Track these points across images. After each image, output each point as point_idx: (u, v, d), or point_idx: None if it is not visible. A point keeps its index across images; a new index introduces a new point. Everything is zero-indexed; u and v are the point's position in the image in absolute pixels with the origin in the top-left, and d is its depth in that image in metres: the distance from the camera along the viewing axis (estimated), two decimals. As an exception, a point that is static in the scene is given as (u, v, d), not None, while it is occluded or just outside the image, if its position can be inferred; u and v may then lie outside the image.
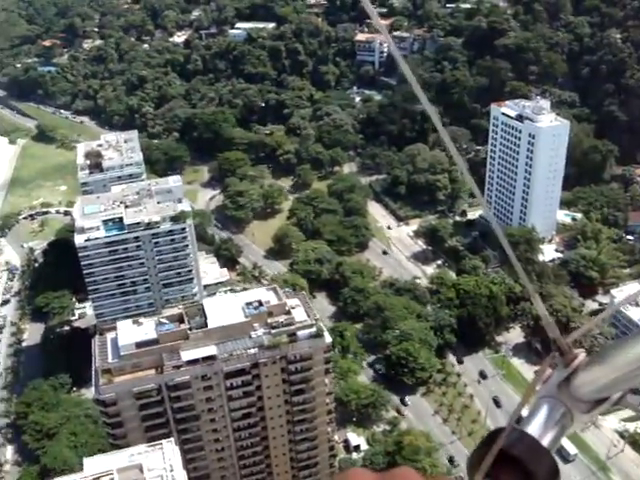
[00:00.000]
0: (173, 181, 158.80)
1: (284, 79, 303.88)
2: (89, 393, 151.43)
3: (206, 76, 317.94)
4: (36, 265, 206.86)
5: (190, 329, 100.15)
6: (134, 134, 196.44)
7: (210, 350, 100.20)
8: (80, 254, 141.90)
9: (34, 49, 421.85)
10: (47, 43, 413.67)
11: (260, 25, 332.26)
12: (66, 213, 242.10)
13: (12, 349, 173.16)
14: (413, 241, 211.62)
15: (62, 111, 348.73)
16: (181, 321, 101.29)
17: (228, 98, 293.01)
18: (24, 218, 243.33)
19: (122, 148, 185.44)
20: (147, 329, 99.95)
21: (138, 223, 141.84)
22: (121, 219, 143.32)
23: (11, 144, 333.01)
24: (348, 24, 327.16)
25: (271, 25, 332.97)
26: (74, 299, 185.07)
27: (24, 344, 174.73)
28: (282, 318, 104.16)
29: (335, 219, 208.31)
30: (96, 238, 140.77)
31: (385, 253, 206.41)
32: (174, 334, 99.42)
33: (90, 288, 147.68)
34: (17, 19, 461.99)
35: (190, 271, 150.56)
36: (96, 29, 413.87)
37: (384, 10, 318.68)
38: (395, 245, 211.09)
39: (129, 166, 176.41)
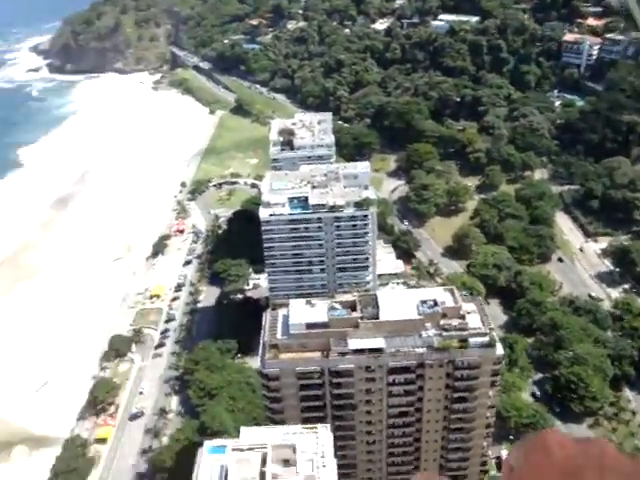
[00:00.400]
0: (361, 167, 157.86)
1: (482, 75, 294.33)
2: (252, 362, 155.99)
3: (403, 65, 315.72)
4: (219, 232, 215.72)
5: (361, 318, 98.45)
6: (328, 116, 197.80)
7: (378, 342, 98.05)
8: (263, 228, 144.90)
9: (241, 27, 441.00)
10: (254, 22, 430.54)
11: (464, 18, 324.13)
12: (253, 185, 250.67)
13: (188, 308, 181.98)
14: (600, 260, 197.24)
15: (257, 86, 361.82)
16: (353, 309, 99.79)
17: (423, 90, 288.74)
18: (214, 186, 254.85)
19: (315, 129, 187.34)
20: (319, 311, 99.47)
21: (322, 205, 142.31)
22: (306, 199, 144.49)
23: (211, 114, 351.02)
24: (556, 23, 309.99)
25: (475, 19, 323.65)
26: (250, 269, 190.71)
27: (199, 305, 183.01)
28: (455, 322, 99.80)
29: (520, 225, 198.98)
30: (280, 214, 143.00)
31: (560, 260, 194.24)
32: (345, 321, 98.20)
33: (268, 261, 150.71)
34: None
35: (367, 259, 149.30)
36: (301, 11, 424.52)
37: (598, 9, 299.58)
38: (580, 261, 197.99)
39: (320, 147, 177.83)
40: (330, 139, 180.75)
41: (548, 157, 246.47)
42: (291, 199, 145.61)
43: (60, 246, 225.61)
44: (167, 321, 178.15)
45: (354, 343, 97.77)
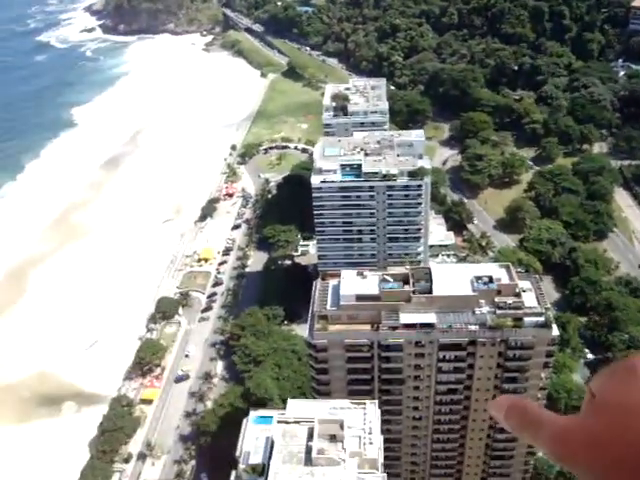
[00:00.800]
0: (416, 135, 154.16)
1: (542, 43, 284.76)
2: (299, 329, 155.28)
3: (460, 31, 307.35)
4: (269, 196, 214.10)
5: (414, 292, 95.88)
6: (382, 82, 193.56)
7: (430, 317, 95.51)
8: (314, 194, 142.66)
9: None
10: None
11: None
12: (304, 150, 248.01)
13: (236, 272, 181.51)
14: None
15: (307, 49, 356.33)
16: (406, 282, 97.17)
17: (480, 57, 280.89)
18: (264, 150, 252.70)
19: (369, 94, 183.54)
20: (370, 283, 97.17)
21: (375, 173, 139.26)
22: (359, 166, 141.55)
23: (262, 77, 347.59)
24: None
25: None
26: (299, 236, 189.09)
27: (247, 269, 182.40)
28: (510, 300, 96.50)
29: (576, 201, 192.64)
30: (332, 181, 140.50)
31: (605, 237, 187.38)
32: (397, 293, 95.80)
33: (318, 229, 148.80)
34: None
35: (419, 229, 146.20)
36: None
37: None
38: (638, 240, 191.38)
39: (373, 113, 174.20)
40: (384, 105, 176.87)
41: (609, 130, 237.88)
42: (343, 166, 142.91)
43: (110, 207, 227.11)
44: (214, 285, 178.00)
45: (405, 317, 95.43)
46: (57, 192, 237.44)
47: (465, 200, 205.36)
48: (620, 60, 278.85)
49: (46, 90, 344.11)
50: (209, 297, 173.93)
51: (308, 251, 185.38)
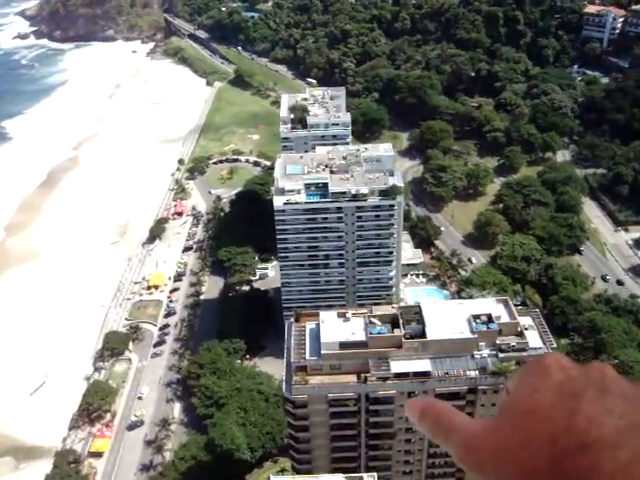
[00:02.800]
0: (384, 150, 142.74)
1: (498, 49, 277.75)
2: (263, 364, 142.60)
3: (413, 37, 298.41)
4: (222, 214, 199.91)
5: (405, 336, 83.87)
6: (342, 92, 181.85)
7: (424, 365, 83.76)
8: (276, 217, 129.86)
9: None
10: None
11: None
12: (256, 164, 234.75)
13: (190, 300, 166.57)
14: (633, 251, 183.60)
15: (254, 56, 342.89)
16: (395, 324, 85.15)
17: (436, 63, 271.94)
18: (214, 163, 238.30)
19: (328, 105, 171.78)
20: (354, 327, 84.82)
21: (344, 193, 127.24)
22: (325, 185, 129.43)
23: (208, 86, 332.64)
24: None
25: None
26: (256, 257, 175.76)
27: (202, 297, 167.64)
28: (513, 340, 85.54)
29: (547, 213, 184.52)
30: (296, 202, 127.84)
31: (579, 252, 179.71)
32: (386, 339, 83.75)
33: (281, 255, 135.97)
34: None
35: (391, 252, 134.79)
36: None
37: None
38: (610, 253, 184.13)
39: (335, 126, 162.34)
40: (346, 117, 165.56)
41: (570, 138, 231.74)
42: (308, 185, 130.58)
43: (49, 229, 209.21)
44: (167, 315, 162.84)
45: (397, 366, 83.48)
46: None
47: (430, 214, 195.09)
48: (575, 66, 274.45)
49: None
50: (161, 329, 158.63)
51: (267, 274, 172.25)
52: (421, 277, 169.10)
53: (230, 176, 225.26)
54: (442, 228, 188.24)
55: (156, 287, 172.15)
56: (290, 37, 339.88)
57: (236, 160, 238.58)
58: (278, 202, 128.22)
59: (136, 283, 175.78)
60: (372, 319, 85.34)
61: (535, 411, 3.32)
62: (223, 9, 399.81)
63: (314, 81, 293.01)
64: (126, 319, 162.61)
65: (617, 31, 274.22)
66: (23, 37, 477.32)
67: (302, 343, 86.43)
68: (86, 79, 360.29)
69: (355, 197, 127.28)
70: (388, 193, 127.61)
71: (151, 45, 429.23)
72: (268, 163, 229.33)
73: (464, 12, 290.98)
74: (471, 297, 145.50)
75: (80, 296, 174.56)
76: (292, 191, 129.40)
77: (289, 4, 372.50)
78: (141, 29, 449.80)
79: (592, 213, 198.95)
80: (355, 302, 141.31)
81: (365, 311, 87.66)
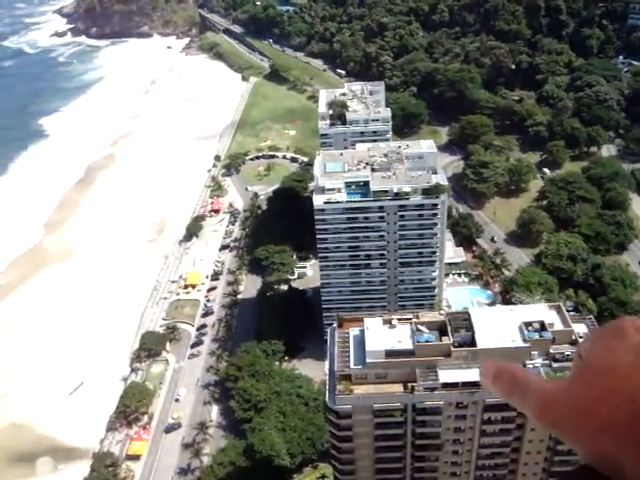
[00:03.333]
0: (427, 146, 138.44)
1: (539, 40, 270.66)
2: (302, 366, 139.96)
3: (452, 29, 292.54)
4: (259, 212, 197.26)
5: (454, 345, 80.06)
6: (381, 86, 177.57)
7: (474, 374, 79.57)
8: (316, 217, 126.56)
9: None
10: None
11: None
12: (293, 160, 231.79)
13: (227, 299, 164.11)
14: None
15: (292, 51, 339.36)
16: (443, 332, 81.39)
17: (475, 56, 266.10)
18: (251, 159, 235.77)
19: (368, 100, 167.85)
20: (401, 335, 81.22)
21: (386, 191, 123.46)
22: (366, 183, 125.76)
23: (244, 81, 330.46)
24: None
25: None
26: (294, 256, 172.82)
27: (239, 296, 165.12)
28: (568, 349, 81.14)
29: (593, 210, 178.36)
30: (337, 202, 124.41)
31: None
32: (434, 348, 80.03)
33: (320, 255, 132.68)
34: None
35: (434, 252, 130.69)
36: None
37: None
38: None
39: (375, 122, 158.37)
40: (386, 113, 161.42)
41: (616, 131, 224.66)
42: (348, 184, 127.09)
43: (87, 227, 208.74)
44: (204, 315, 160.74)
45: (445, 375, 79.75)
46: (28, 212, 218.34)
47: (471, 211, 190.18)
48: (621, 57, 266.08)
49: (16, 98, 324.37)
50: (199, 329, 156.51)
51: (305, 273, 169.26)
52: (463, 277, 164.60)
53: (267, 172, 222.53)
54: (483, 225, 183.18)
55: (193, 286, 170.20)
56: (326, 31, 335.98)
57: (273, 156, 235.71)
58: (318, 201, 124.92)
59: (173, 282, 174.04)
60: (419, 326, 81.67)
61: (613, 369, 3.41)
62: (258, 3, 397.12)
63: (343, 72, 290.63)
64: (163, 319, 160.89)
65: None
66: (60, 35, 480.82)
67: (346, 351, 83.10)
68: (122, 76, 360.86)
69: (397, 196, 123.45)
70: (431, 192, 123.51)
71: (186, 41, 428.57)
72: (305, 159, 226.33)
73: (504, 3, 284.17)
74: (521, 302, 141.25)
75: (117, 295, 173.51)
76: (332, 190, 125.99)
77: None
78: (176, 25, 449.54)
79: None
80: (397, 303, 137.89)
81: (411, 317, 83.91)
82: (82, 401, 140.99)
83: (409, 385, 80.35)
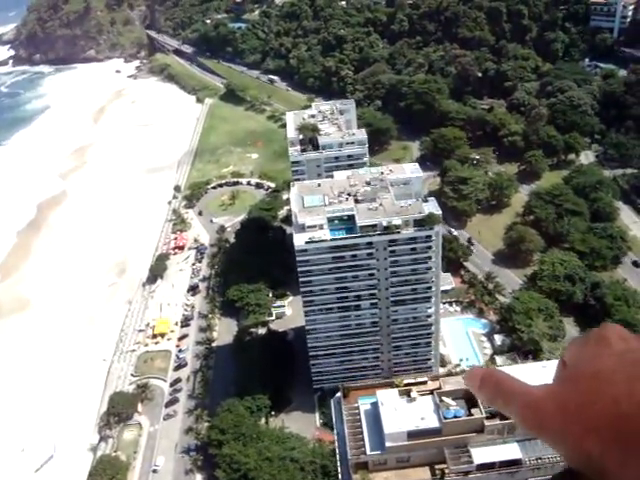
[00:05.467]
0: (411, 170, 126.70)
1: (503, 46, 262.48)
2: (290, 421, 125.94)
3: (413, 39, 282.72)
4: (227, 246, 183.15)
5: (486, 417, 67.50)
6: (351, 104, 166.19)
7: (513, 451, 67.48)
8: (298, 258, 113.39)
9: (223, 4, 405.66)
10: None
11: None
12: (258, 185, 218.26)
13: (201, 348, 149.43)
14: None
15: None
16: (471, 402, 68.80)
17: (440, 65, 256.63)
18: (213, 188, 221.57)
19: (339, 121, 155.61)
20: (423, 410, 68.46)
21: (374, 225, 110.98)
22: (351, 217, 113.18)
23: (199, 103, 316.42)
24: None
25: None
26: (270, 294, 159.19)
27: (214, 343, 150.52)
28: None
29: (583, 224, 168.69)
30: (320, 240, 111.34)
31: (637, 265, 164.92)
32: (464, 424, 67.51)
33: (305, 299, 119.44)
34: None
35: (429, 288, 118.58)
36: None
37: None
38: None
39: (350, 145, 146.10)
40: (362, 135, 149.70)
41: (592, 137, 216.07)
42: (331, 219, 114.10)
43: (42, 273, 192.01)
44: (177, 367, 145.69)
45: (479, 454, 67.22)
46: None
47: (455, 232, 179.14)
48: (587, 59, 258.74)
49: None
50: (172, 385, 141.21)
51: (284, 313, 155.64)
52: (454, 305, 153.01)
53: (232, 201, 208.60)
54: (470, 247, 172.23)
55: (162, 335, 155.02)
56: (281, 46, 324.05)
57: (237, 183, 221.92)
58: (299, 241, 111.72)
59: (140, 331, 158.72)
60: (443, 397, 68.95)
61: (598, 375, 3.52)
62: (208, 21, 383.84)
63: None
64: (132, 375, 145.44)
65: (628, 19, 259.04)
66: (1, 63, 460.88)
67: (358, 431, 70.05)
68: (69, 103, 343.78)
69: (387, 230, 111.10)
70: (424, 222, 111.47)
71: (135, 63, 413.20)
72: (272, 184, 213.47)
73: (465, 10, 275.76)
74: (523, 332, 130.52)
75: (78, 349, 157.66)
76: (314, 227, 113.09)
77: (277, 12, 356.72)
78: (123, 47, 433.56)
79: (629, 219, 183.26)
80: (390, 344, 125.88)
81: (433, 386, 71.17)
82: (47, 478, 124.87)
83: (437, 469, 67.52)
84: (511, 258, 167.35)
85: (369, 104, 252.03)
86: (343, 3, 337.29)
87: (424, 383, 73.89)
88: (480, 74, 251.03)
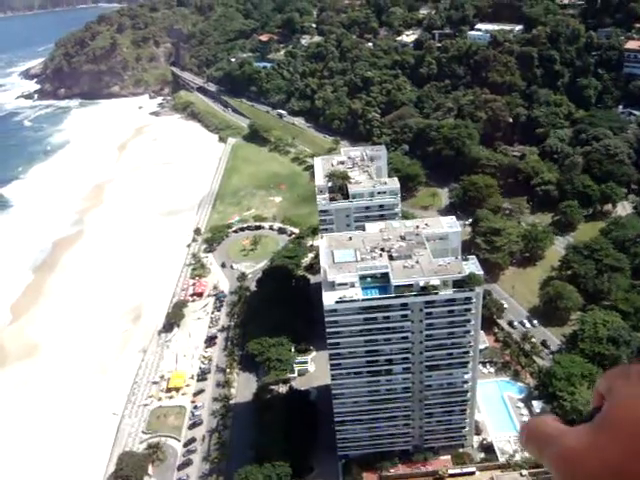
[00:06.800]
0: (448, 224, 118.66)
1: (534, 92, 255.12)
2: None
3: (441, 82, 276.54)
4: (247, 294, 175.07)
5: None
6: (382, 151, 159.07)
7: None
8: (327, 318, 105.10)
9: (249, 44, 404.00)
10: (263, 38, 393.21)
11: (506, 27, 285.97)
12: (281, 231, 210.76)
13: (218, 405, 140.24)
14: None
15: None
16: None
17: (469, 110, 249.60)
18: (234, 232, 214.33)
19: (370, 169, 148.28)
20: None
21: (410, 285, 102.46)
22: (385, 275, 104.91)
23: (221, 142, 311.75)
24: (612, 29, 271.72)
25: (518, 27, 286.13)
26: (293, 349, 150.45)
27: (232, 401, 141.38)
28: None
29: (624, 281, 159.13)
30: (351, 300, 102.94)
31: None
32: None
33: (332, 361, 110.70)
34: (234, 13, 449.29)
35: (466, 352, 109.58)
36: (314, 25, 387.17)
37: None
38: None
39: (381, 194, 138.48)
40: (394, 184, 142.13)
41: (627, 187, 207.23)
42: (363, 277, 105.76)
43: (53, 316, 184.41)
44: (192, 426, 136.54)
45: None
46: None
47: (486, 286, 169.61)
48: (620, 106, 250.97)
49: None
50: (186, 445, 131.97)
51: (307, 369, 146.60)
52: (488, 366, 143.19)
53: (254, 247, 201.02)
54: (503, 303, 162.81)
55: (177, 389, 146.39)
56: (306, 87, 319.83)
57: (259, 227, 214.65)
58: (329, 300, 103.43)
59: (154, 383, 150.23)
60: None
61: None
62: (232, 60, 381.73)
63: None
64: (143, 432, 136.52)
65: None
66: (27, 97, 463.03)
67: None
68: (90, 139, 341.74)
69: (424, 290, 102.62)
70: (464, 284, 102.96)
71: (159, 100, 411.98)
72: (295, 230, 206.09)
73: (495, 54, 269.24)
74: (565, 400, 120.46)
75: (87, 401, 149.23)
76: (344, 285, 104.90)
77: (303, 52, 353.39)
78: (147, 84, 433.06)
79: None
80: (422, 411, 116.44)
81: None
82: None
83: None
84: (547, 316, 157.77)
85: (396, 148, 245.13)
86: (370, 45, 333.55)
87: (471, 474, 64.67)
88: (511, 120, 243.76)
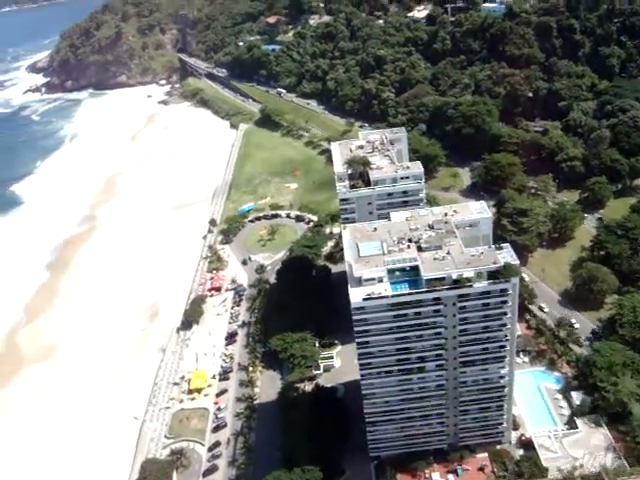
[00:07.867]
0: (477, 210, 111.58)
1: (554, 64, 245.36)
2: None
3: (456, 58, 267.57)
4: (267, 287, 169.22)
5: None
6: (402, 133, 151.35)
7: None
8: (355, 317, 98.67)
9: (256, 26, 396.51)
10: (271, 20, 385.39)
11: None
12: (299, 219, 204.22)
13: (242, 406, 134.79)
14: None
15: (282, 91, 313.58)
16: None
17: (487, 85, 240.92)
18: (250, 221, 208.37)
19: (391, 153, 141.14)
20: None
21: (442, 279, 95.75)
22: (415, 268, 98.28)
23: (233, 129, 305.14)
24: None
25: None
26: (317, 344, 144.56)
27: (256, 401, 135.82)
28: None
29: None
30: (380, 296, 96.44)
31: None
32: None
33: (361, 361, 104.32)
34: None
35: (503, 347, 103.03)
36: (322, 4, 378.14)
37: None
38: None
39: (404, 179, 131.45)
40: (418, 169, 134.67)
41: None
42: (392, 271, 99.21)
43: (69, 316, 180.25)
44: (215, 429, 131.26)
45: None
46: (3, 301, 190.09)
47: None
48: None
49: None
50: (211, 449, 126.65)
51: (332, 365, 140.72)
52: (522, 355, 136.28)
53: (271, 237, 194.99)
54: (530, 285, 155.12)
55: (199, 390, 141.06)
56: (317, 68, 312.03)
57: (275, 216, 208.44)
58: (356, 297, 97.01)
59: (175, 384, 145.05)
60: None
61: None
62: (240, 44, 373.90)
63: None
64: (166, 436, 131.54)
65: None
66: (34, 90, 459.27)
67: None
68: (99, 131, 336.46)
69: (457, 283, 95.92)
70: (500, 274, 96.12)
71: (167, 88, 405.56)
72: (313, 217, 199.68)
73: (511, 26, 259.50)
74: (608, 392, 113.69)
75: (107, 405, 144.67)
76: (372, 280, 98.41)
77: (312, 33, 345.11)
78: (155, 72, 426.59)
79: None
80: (457, 408, 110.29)
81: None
82: None
83: None
84: (580, 300, 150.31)
85: (412, 128, 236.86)
86: (381, 22, 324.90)
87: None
88: (531, 94, 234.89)
